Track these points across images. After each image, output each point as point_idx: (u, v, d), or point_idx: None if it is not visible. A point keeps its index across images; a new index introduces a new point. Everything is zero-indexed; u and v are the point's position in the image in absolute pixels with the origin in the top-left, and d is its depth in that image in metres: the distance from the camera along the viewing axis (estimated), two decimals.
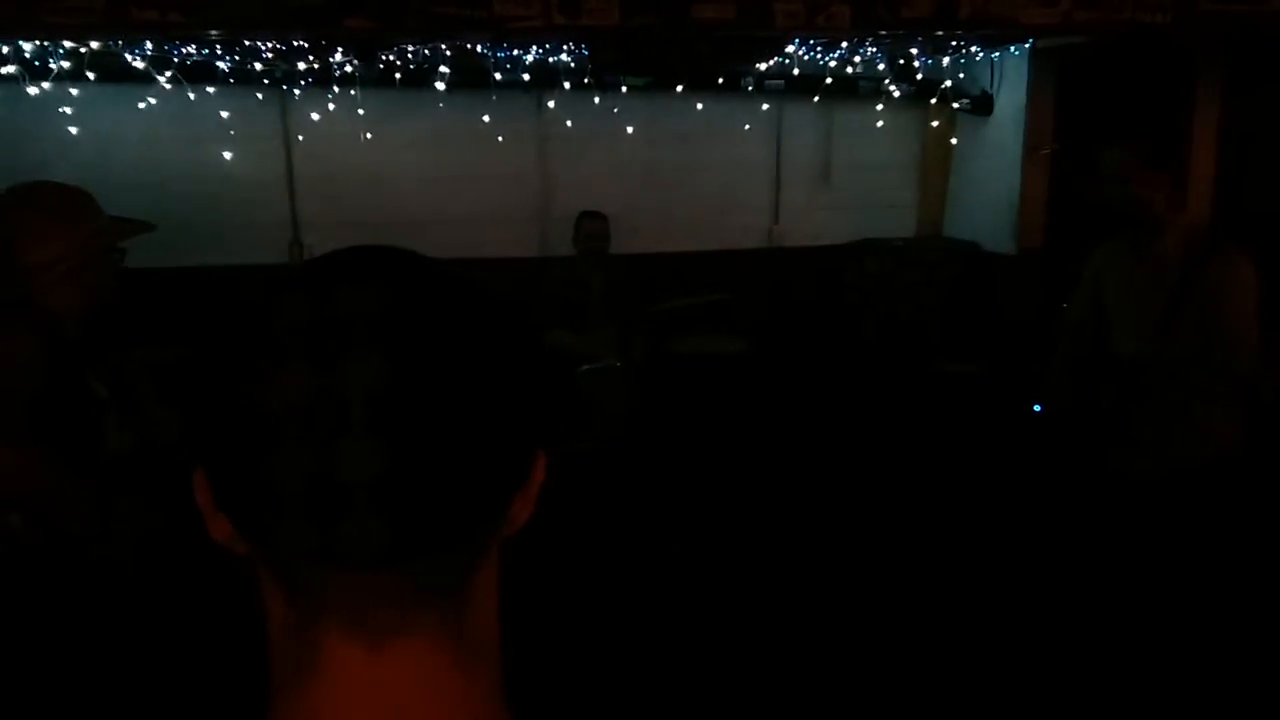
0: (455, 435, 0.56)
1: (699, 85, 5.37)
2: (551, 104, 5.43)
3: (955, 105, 5.66)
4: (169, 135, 5.18)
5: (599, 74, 5.19)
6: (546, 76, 5.19)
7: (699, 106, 5.54)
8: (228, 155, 5.09)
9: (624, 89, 5.33)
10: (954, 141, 5.86)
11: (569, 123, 5.52)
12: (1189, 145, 5.25)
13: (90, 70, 4.61)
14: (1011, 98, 5.44)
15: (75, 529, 1.95)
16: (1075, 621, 2.99)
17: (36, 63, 4.63)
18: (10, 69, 4.57)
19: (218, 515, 0.60)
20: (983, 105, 5.59)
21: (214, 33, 3.42)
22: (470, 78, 5.08)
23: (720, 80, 5.37)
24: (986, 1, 3.43)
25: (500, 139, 5.49)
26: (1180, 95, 5.20)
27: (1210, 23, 3.65)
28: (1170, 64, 5.01)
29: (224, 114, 5.13)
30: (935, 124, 5.85)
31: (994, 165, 5.61)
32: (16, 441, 1.89)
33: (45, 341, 1.97)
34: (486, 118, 5.35)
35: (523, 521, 0.66)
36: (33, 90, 4.73)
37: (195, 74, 4.82)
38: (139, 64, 4.63)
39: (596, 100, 5.40)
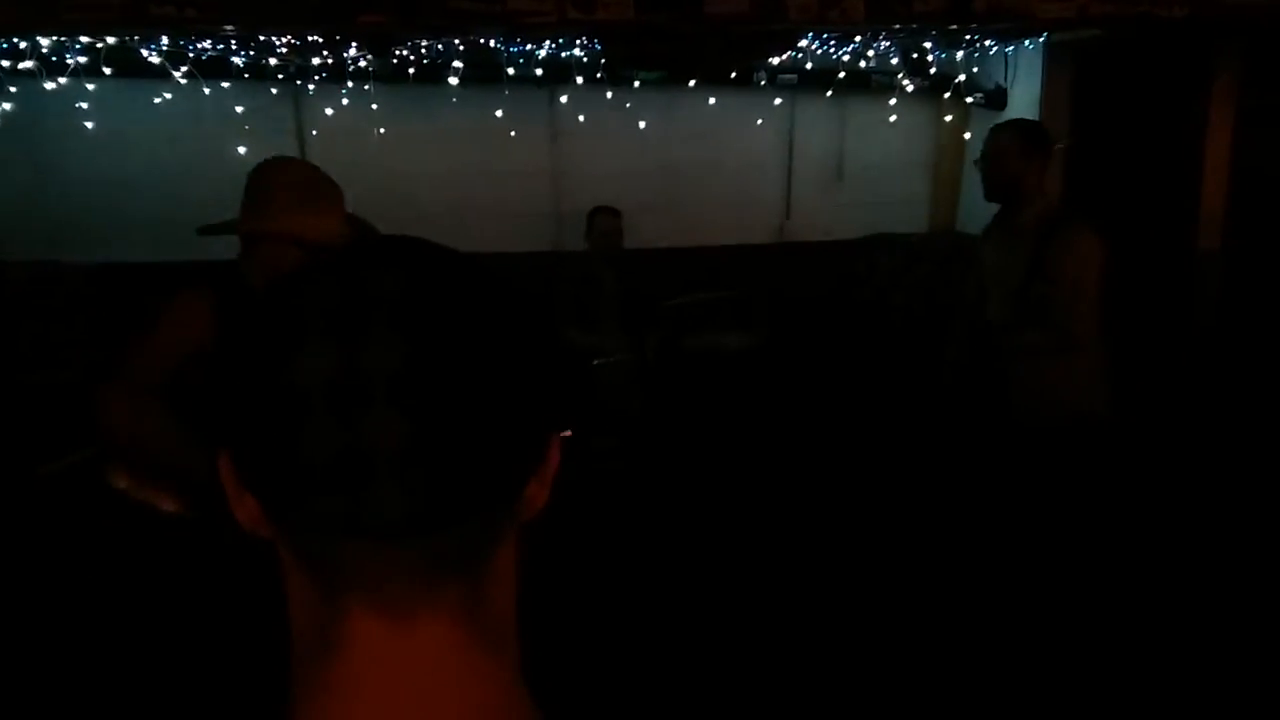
0: (472, 412, 0.59)
1: (712, 80, 5.36)
2: (564, 99, 5.43)
3: (969, 100, 5.63)
4: (183, 130, 5.21)
5: (612, 69, 5.19)
6: (559, 72, 5.19)
7: (711, 101, 5.54)
8: (242, 150, 5.10)
9: (637, 84, 5.33)
10: (967, 136, 5.84)
11: (581, 118, 5.53)
12: (1204, 141, 5.23)
13: (106, 65, 4.63)
14: (1026, 92, 5.41)
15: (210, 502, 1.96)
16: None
17: (53, 58, 4.66)
18: (27, 64, 4.61)
19: (243, 496, 0.62)
20: (997, 100, 5.56)
21: (229, 28, 3.44)
22: (483, 73, 5.09)
23: (733, 75, 5.37)
24: None
25: (513, 134, 5.50)
26: (1196, 92, 5.16)
27: (1227, 16, 3.63)
28: (1187, 58, 4.98)
29: (238, 109, 5.15)
30: (949, 118, 5.83)
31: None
32: (135, 399, 1.88)
33: (220, 305, 1.97)
34: (499, 113, 5.36)
35: (539, 506, 0.67)
36: (49, 85, 4.76)
37: (210, 69, 4.85)
38: (154, 59, 4.66)
39: (609, 95, 5.40)
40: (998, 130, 3.22)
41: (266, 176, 2.12)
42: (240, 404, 0.60)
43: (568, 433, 0.71)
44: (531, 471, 0.64)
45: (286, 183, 2.11)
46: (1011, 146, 3.11)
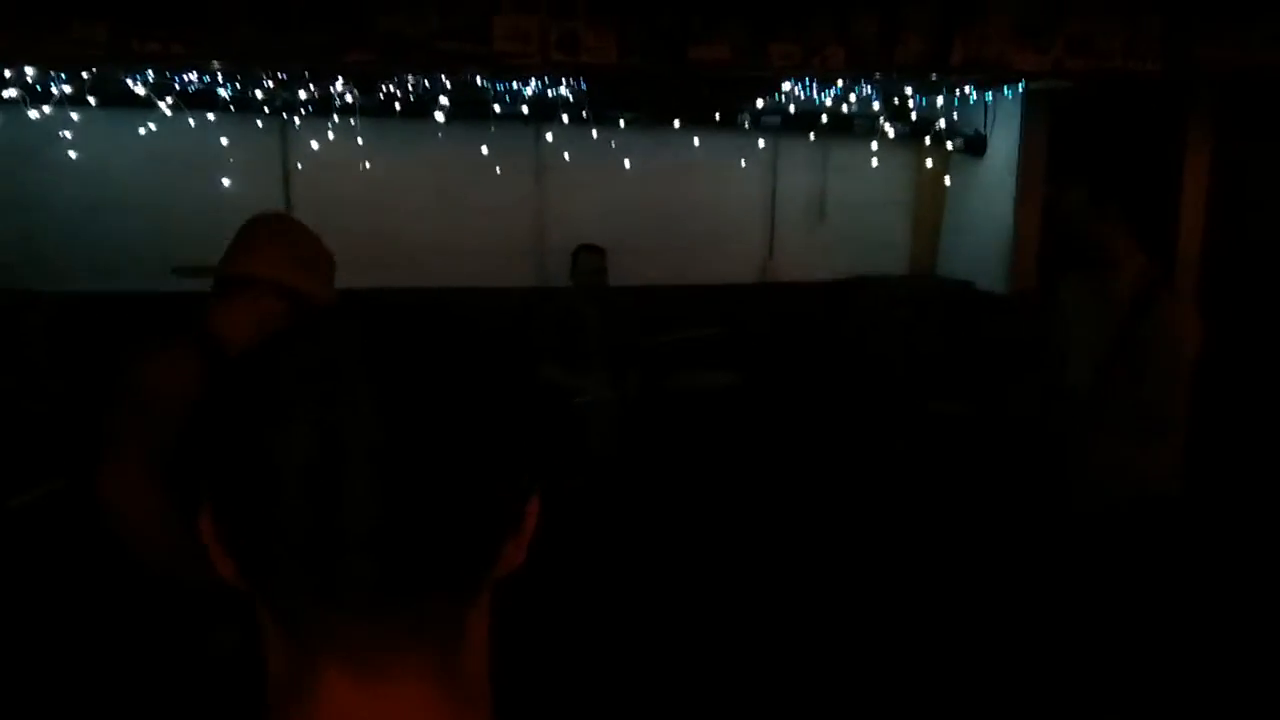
0: (447, 485, 0.59)
1: (696, 120, 5.43)
2: (550, 137, 5.47)
3: (949, 145, 5.72)
4: (168, 161, 5.21)
5: (597, 108, 5.24)
6: (545, 110, 5.25)
7: (696, 141, 5.60)
8: (226, 182, 5.12)
9: (622, 123, 5.39)
10: (947, 181, 5.92)
11: (566, 155, 5.57)
12: (1180, 188, 5.32)
13: (91, 95, 4.65)
14: (1005, 139, 5.50)
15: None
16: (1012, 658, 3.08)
17: (38, 86, 4.66)
18: (12, 92, 4.61)
19: (222, 555, 0.63)
20: (976, 146, 5.65)
21: (215, 64, 3.46)
22: (470, 109, 5.13)
23: (717, 116, 5.43)
24: (979, 45, 3.49)
25: (498, 170, 5.53)
26: (1172, 139, 5.26)
27: (1200, 72, 3.71)
28: (1162, 108, 5.08)
29: (224, 140, 5.16)
30: (929, 163, 5.91)
31: (987, 205, 5.66)
32: (145, 479, 1.77)
33: (206, 370, 1.87)
34: (485, 149, 5.40)
35: (516, 565, 0.68)
36: (34, 114, 4.76)
37: (196, 100, 4.87)
38: (140, 90, 4.67)
39: (594, 134, 5.45)
40: (1064, 192, 2.99)
41: (262, 226, 2.07)
42: (219, 471, 0.60)
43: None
44: (508, 537, 0.65)
45: (283, 236, 2.07)
46: (1083, 208, 2.89)
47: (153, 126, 5.05)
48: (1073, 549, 2.99)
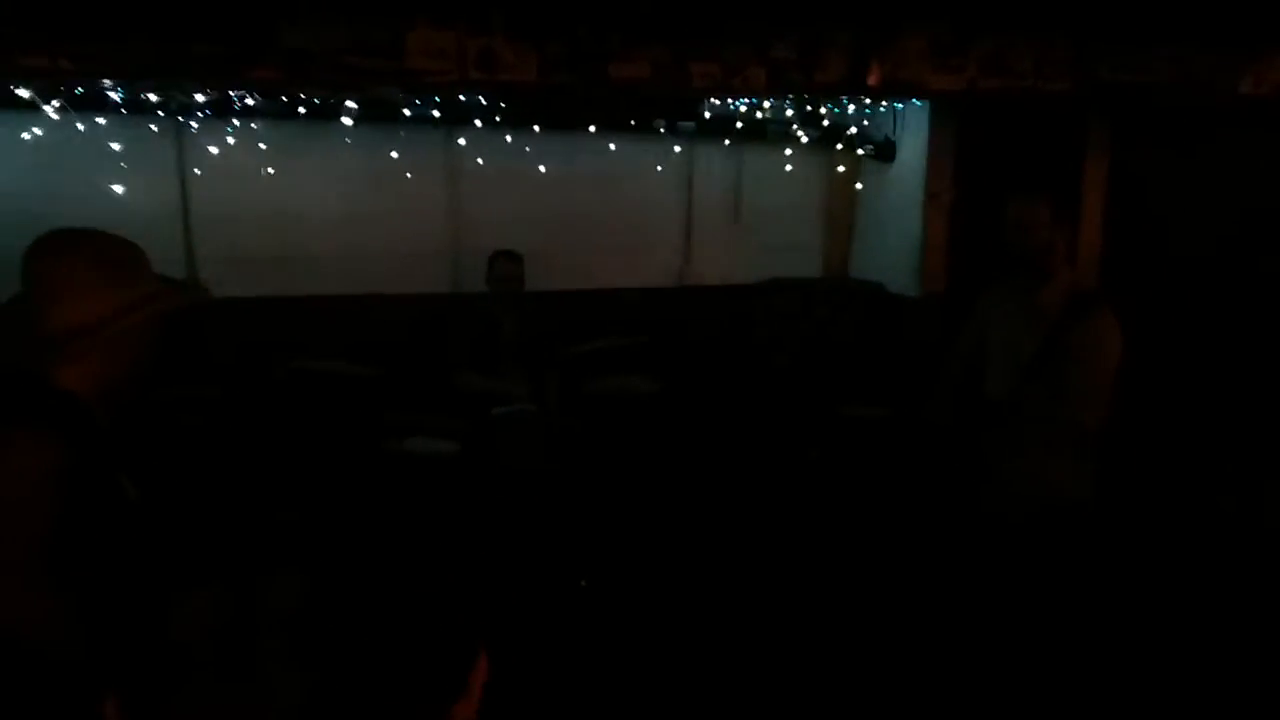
0: (376, 656, 0.56)
1: (611, 127, 5.38)
2: (462, 141, 5.35)
3: (860, 151, 5.80)
4: (55, 167, 4.90)
5: (510, 113, 5.15)
6: (457, 113, 5.13)
7: (612, 147, 5.55)
8: (119, 189, 4.86)
9: (536, 128, 5.30)
10: (859, 186, 6.00)
11: (480, 160, 5.46)
12: (1080, 196, 5.49)
13: None
14: (913, 145, 5.60)
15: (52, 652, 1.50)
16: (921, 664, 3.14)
17: None
18: None
19: None
20: (885, 151, 5.74)
21: (106, 81, 3.27)
22: (378, 112, 4.98)
23: (633, 122, 5.39)
24: (895, 68, 3.53)
25: (409, 175, 5.39)
26: (1073, 147, 5.43)
27: (1107, 90, 3.84)
28: (1064, 118, 5.23)
29: (115, 145, 4.90)
30: (841, 169, 5.98)
31: (897, 209, 5.76)
32: (31, 584, 1.49)
33: (72, 443, 1.61)
34: (395, 153, 5.26)
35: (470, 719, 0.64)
36: None
37: (84, 103, 4.60)
38: (23, 92, 4.39)
39: (508, 139, 5.36)
40: (1024, 199, 2.99)
41: (66, 260, 1.73)
42: (128, 654, 0.57)
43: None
44: (453, 701, 0.62)
45: (93, 259, 1.74)
46: (1041, 216, 2.92)
47: (38, 131, 4.75)
48: (981, 554, 3.04)
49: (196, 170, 5.16)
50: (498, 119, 5.14)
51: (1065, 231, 2.98)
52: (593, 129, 5.33)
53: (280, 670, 0.52)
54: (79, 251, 1.73)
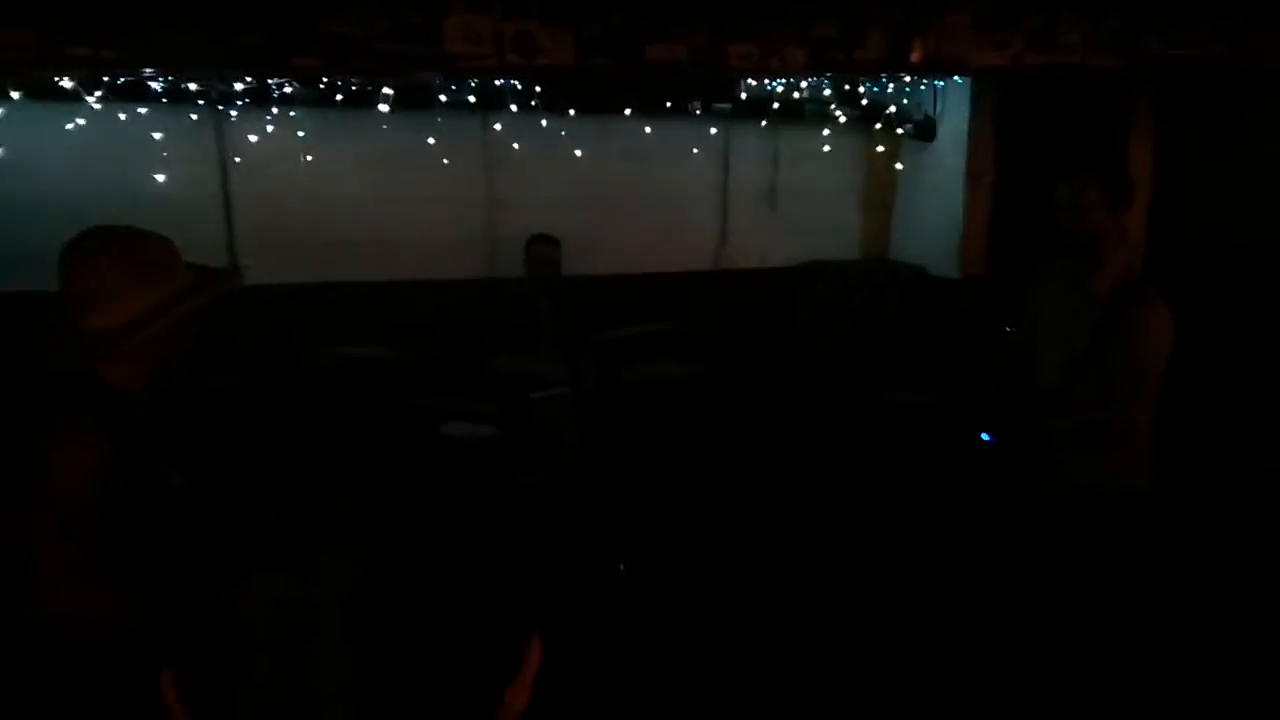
0: (431, 638, 0.56)
1: (647, 109, 5.35)
2: (498, 126, 5.35)
3: (899, 130, 5.72)
4: (99, 155, 4.96)
5: (546, 97, 5.14)
6: (493, 98, 5.12)
7: (647, 130, 5.52)
8: (160, 178, 4.92)
9: (572, 112, 5.29)
10: (899, 166, 5.92)
11: (516, 145, 5.45)
12: (1126, 169, 5.38)
13: (15, 89, 4.41)
14: (954, 124, 5.51)
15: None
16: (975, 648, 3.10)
17: None
18: None
19: (186, 714, 0.59)
20: (926, 130, 5.66)
21: (149, 70, 3.29)
22: (415, 98, 4.99)
23: (669, 104, 5.36)
24: (938, 44, 3.46)
25: (446, 160, 5.39)
26: (1118, 125, 5.31)
27: (1156, 66, 3.74)
28: (1108, 95, 5.12)
29: (156, 134, 4.95)
30: (880, 148, 5.90)
31: (938, 190, 5.68)
32: (82, 575, 1.55)
33: (116, 437, 1.64)
34: (431, 139, 5.26)
35: (521, 709, 0.64)
36: None
37: (126, 93, 4.65)
38: (67, 83, 4.45)
39: (544, 123, 5.34)
40: (1076, 179, 2.84)
41: (104, 261, 1.73)
42: (186, 627, 0.57)
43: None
44: (506, 684, 0.61)
45: (131, 259, 1.74)
46: (1093, 197, 2.78)
47: (81, 121, 4.81)
48: (1024, 544, 2.99)
49: (237, 158, 5.20)
50: (533, 103, 5.13)
51: (1118, 214, 2.84)
52: (628, 112, 5.30)
53: (335, 648, 0.52)
54: (110, 253, 1.73)
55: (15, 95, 4.44)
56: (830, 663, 3.23)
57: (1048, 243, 2.95)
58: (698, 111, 5.46)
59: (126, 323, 1.69)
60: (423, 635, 0.56)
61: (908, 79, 5.32)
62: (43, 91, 4.50)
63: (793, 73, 3.47)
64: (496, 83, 4.99)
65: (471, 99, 5.05)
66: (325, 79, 4.48)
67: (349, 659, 0.53)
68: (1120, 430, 2.82)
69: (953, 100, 5.49)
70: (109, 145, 4.95)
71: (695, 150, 5.76)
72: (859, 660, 3.22)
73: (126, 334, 1.69)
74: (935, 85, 5.47)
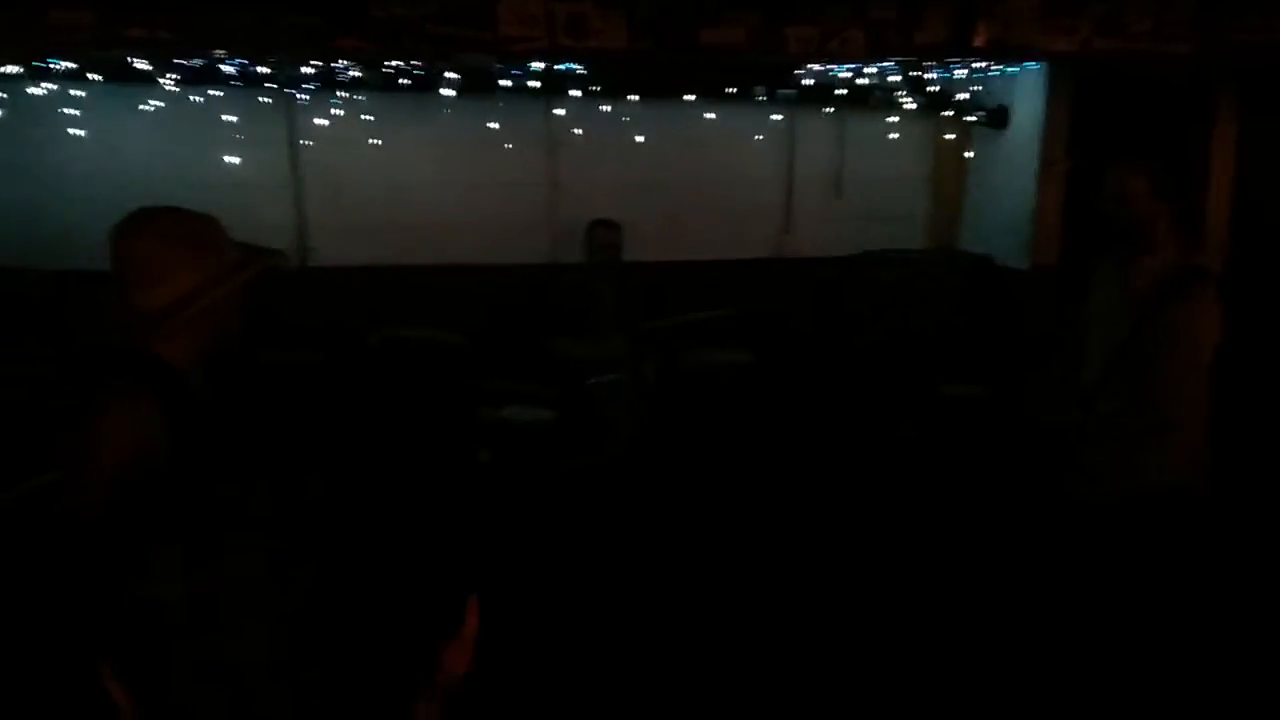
0: (362, 607, 0.55)
1: (710, 95, 5.30)
2: (560, 111, 5.36)
3: (970, 118, 5.57)
4: (172, 137, 5.12)
5: (608, 82, 5.12)
6: (555, 83, 5.12)
7: (709, 115, 5.46)
8: (232, 158, 5.04)
9: (634, 98, 5.26)
10: (968, 154, 5.77)
11: (577, 130, 5.45)
12: (1208, 167, 5.16)
13: (93, 72, 4.56)
14: (1028, 111, 5.35)
15: None
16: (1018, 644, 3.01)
17: (37, 62, 4.58)
18: (13, 68, 4.52)
19: (128, 697, 0.59)
20: (998, 118, 5.50)
21: (210, 50, 3.37)
22: (478, 83, 5.01)
23: (732, 90, 5.30)
24: (1004, 27, 3.35)
25: (508, 145, 5.42)
26: (1199, 111, 5.09)
27: (1233, 51, 3.56)
28: (1189, 83, 4.91)
29: (228, 117, 5.07)
30: (949, 136, 5.76)
31: (1009, 179, 5.52)
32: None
33: (167, 408, 1.69)
34: (494, 124, 5.29)
35: (460, 671, 0.64)
36: (35, 91, 4.68)
37: (200, 76, 4.77)
38: (143, 65, 4.58)
39: (606, 108, 5.33)
40: (1125, 170, 2.79)
41: (154, 239, 1.77)
42: (106, 616, 0.57)
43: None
44: (442, 642, 0.61)
45: (182, 237, 1.79)
46: (1139, 186, 2.72)
47: (156, 103, 4.96)
48: (1071, 542, 2.90)
49: (305, 141, 5.30)
50: (596, 88, 5.11)
51: (1170, 204, 2.72)
52: (691, 98, 5.25)
53: (254, 627, 0.52)
54: (155, 234, 1.77)
55: (93, 77, 4.58)
56: (864, 660, 3.17)
57: (1100, 234, 2.86)
58: (762, 98, 5.38)
59: (175, 299, 1.74)
60: (352, 607, 0.55)
61: (980, 65, 5.17)
62: (118, 74, 4.64)
63: (853, 57, 3.38)
64: (558, 68, 4.99)
65: (534, 84, 5.06)
66: (380, 61, 4.53)
67: (274, 637, 0.53)
68: (1157, 427, 2.72)
69: (1027, 87, 5.32)
70: (183, 127, 5.10)
71: (758, 137, 5.69)
72: (893, 658, 3.16)
73: (175, 310, 1.74)
74: (1009, 72, 5.30)
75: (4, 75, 4.61)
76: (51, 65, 4.58)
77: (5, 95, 4.81)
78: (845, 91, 5.33)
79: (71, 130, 4.92)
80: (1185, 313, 2.65)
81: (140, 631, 0.55)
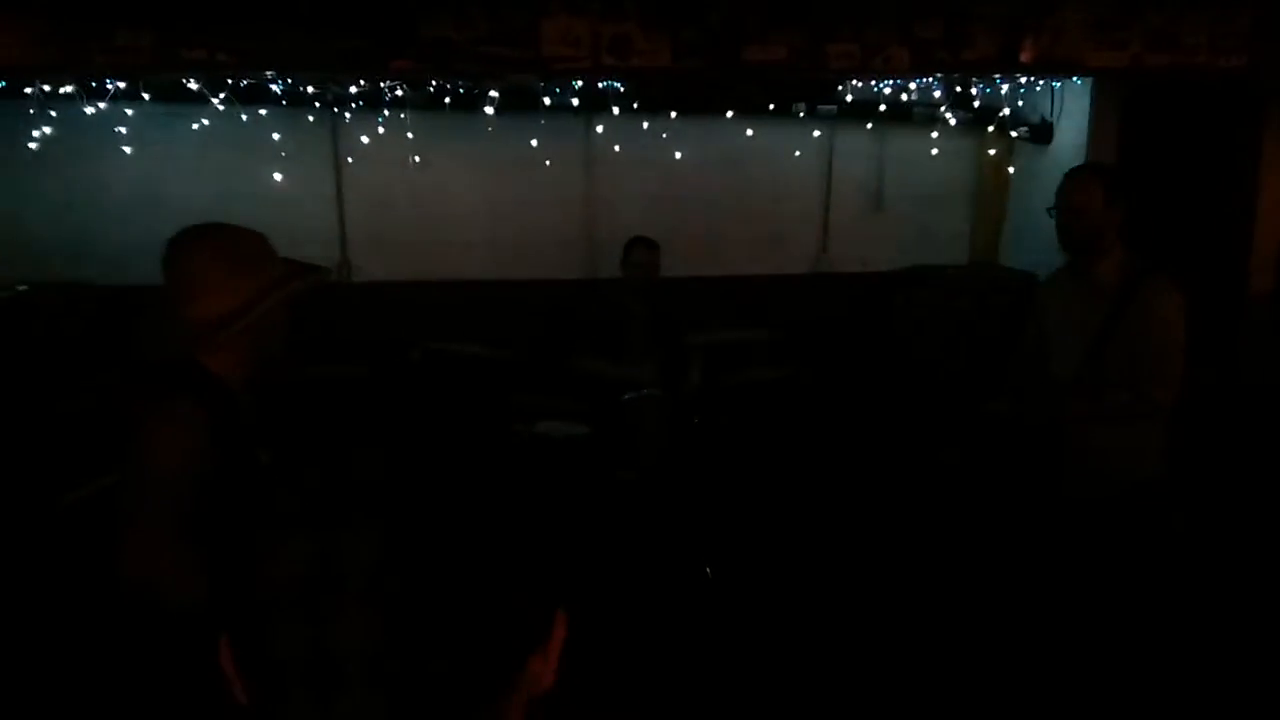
0: (453, 603, 0.56)
1: (750, 112, 5.30)
2: (600, 128, 5.39)
3: (1014, 133, 5.51)
4: (220, 155, 5.22)
5: (648, 99, 5.15)
6: (595, 100, 5.16)
7: (749, 132, 5.47)
8: (278, 176, 5.12)
9: (674, 114, 5.28)
10: (1011, 170, 5.71)
11: (617, 147, 5.48)
12: (1258, 177, 5.06)
13: (145, 91, 4.66)
14: (1073, 126, 5.29)
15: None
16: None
17: (93, 82, 4.68)
18: (68, 88, 4.63)
19: (238, 681, 0.61)
20: (1043, 133, 5.44)
21: (264, 72, 3.43)
22: (519, 101, 5.06)
23: (772, 106, 5.30)
24: (1052, 43, 3.32)
25: (548, 162, 5.46)
26: (1249, 127, 5.01)
27: None
28: (1237, 97, 4.83)
29: (275, 135, 5.16)
30: (992, 151, 5.71)
31: (1053, 195, 5.44)
32: (170, 546, 1.65)
33: (213, 422, 1.74)
34: (535, 141, 5.33)
35: (546, 682, 0.64)
36: (88, 109, 4.79)
37: (248, 95, 4.86)
38: (193, 85, 4.67)
39: (645, 125, 5.35)
40: (1077, 178, 2.98)
41: (203, 255, 1.82)
42: (226, 595, 0.59)
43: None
44: (530, 652, 0.62)
45: (228, 253, 1.83)
46: (1096, 196, 2.86)
47: (206, 121, 5.05)
48: (1066, 539, 2.99)
49: (350, 159, 5.37)
50: (635, 105, 5.14)
51: (1117, 209, 2.87)
52: (730, 114, 5.26)
53: (359, 614, 0.53)
54: (206, 250, 1.82)
55: (145, 97, 4.67)
56: (902, 680, 3.15)
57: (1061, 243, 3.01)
58: (802, 114, 5.38)
59: (224, 314, 1.78)
60: (446, 603, 0.57)
61: (1024, 80, 5.13)
62: (169, 93, 4.73)
63: (897, 73, 3.37)
64: (599, 85, 5.03)
65: (575, 101, 5.09)
66: (428, 83, 4.59)
67: (372, 626, 0.54)
68: (1142, 410, 2.86)
69: (1072, 102, 5.27)
70: (231, 146, 5.19)
71: (798, 153, 5.68)
72: (926, 678, 3.14)
73: (224, 324, 1.78)
74: (1053, 87, 5.26)
75: (58, 94, 4.72)
76: (106, 85, 4.69)
77: (59, 114, 4.92)
78: (886, 108, 5.31)
79: (124, 148, 5.02)
80: (1155, 300, 2.80)
81: (256, 616, 0.56)
